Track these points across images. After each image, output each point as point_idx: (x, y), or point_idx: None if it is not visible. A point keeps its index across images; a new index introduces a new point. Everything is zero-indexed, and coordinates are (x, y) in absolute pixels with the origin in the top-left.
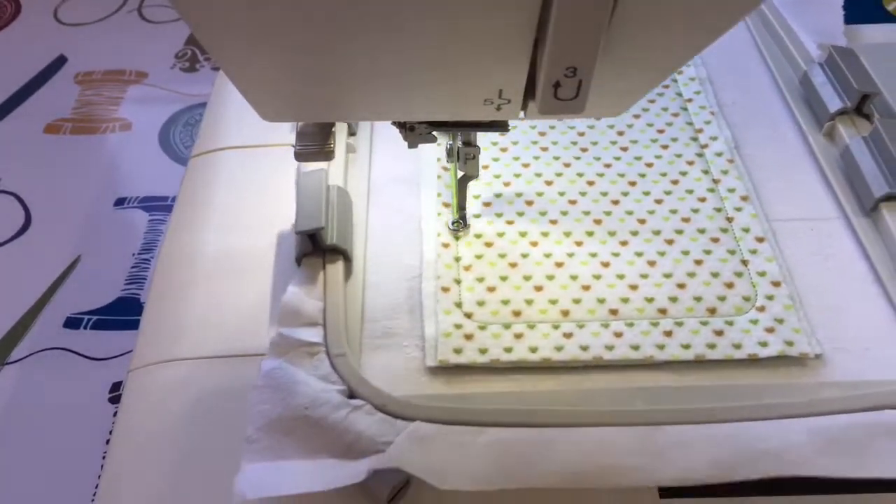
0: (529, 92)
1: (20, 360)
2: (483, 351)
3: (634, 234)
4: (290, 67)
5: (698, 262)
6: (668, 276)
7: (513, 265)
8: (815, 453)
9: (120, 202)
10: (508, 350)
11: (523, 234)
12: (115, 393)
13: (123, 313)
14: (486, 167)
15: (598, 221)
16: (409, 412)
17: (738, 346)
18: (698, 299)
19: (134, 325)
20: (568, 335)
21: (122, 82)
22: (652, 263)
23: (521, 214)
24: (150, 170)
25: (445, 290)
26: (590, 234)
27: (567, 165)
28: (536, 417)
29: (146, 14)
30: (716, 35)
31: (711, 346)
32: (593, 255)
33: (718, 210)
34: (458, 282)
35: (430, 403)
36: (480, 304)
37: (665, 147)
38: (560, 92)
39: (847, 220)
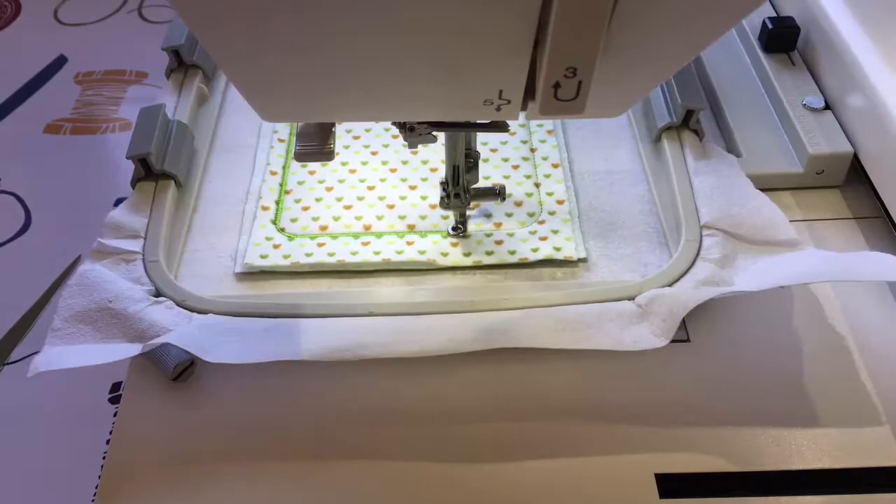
0: (529, 92)
1: (20, 360)
2: (286, 257)
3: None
4: (290, 68)
5: None
6: None
7: (329, 189)
8: (545, 331)
9: (120, 202)
10: (309, 255)
11: (344, 164)
12: (116, 393)
13: None
14: None
15: (414, 152)
16: (205, 306)
17: (512, 253)
18: (488, 216)
19: None
20: (365, 244)
21: (122, 82)
22: None
23: (346, 147)
24: None
25: (265, 209)
26: (405, 163)
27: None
28: (305, 310)
29: (146, 14)
30: (716, 35)
31: (489, 253)
32: (404, 179)
33: (525, 142)
34: (277, 203)
35: (228, 300)
36: (293, 220)
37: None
38: (560, 92)
39: (635, 144)
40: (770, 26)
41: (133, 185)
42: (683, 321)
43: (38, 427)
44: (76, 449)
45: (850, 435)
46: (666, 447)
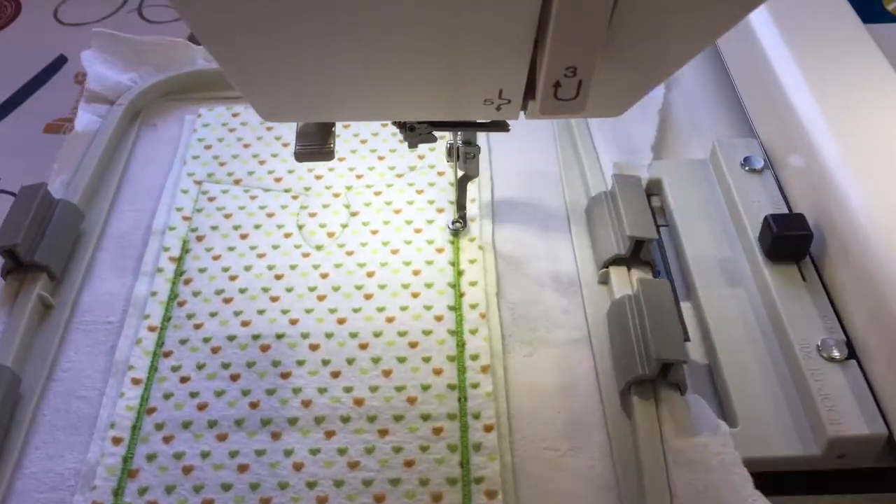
0: (529, 92)
1: None
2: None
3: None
4: (291, 68)
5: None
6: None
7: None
8: None
9: None
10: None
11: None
12: None
13: None
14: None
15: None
16: None
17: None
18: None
19: None
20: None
21: None
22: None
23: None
24: None
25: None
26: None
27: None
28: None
29: (146, 14)
30: (716, 35)
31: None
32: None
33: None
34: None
35: None
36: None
37: (416, 295)
38: (560, 92)
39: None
40: (774, 228)
41: (3, 276)
42: None
43: None
44: None
45: None
46: None
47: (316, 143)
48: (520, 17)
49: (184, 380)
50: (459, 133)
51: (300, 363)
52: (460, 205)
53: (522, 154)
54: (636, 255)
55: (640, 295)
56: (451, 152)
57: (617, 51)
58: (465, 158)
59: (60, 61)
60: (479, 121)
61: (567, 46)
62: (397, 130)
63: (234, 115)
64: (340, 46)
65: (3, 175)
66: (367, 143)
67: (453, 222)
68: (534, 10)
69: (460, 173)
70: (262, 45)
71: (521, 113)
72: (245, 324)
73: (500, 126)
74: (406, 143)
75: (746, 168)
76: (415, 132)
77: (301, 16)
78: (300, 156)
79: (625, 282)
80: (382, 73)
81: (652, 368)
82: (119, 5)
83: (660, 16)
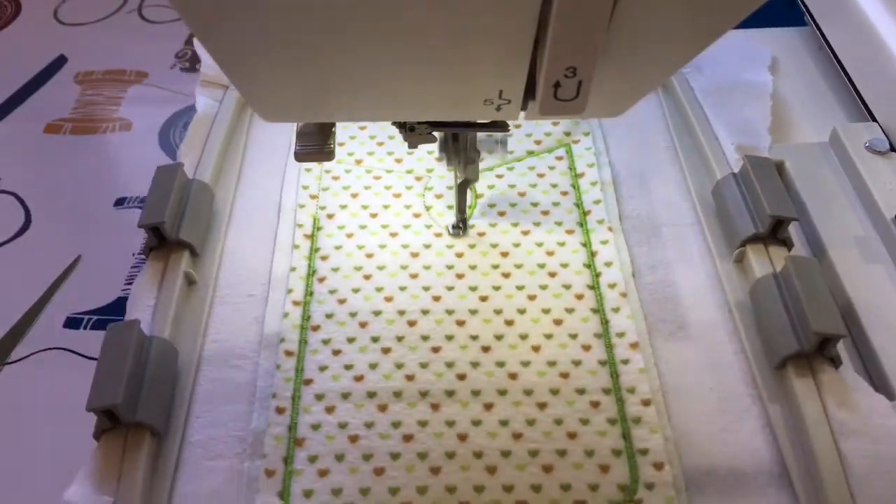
0: (529, 92)
1: (20, 360)
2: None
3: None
4: (291, 68)
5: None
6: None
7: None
8: None
9: (120, 202)
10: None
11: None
12: None
13: (123, 313)
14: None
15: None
16: None
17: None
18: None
19: None
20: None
21: (122, 82)
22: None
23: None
24: (150, 170)
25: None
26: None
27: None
28: None
29: (146, 14)
30: (716, 35)
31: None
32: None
33: (602, 363)
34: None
35: None
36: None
37: (553, 275)
38: (560, 92)
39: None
40: None
41: (146, 254)
42: None
43: (38, 427)
44: (76, 449)
45: None
46: None
47: (316, 144)
48: (520, 17)
49: (336, 353)
50: (460, 138)
51: (449, 338)
52: (460, 209)
53: (636, 137)
54: (773, 234)
55: (792, 272)
56: (449, 156)
57: (617, 51)
58: (466, 163)
59: (60, 61)
60: (479, 121)
61: (567, 46)
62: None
63: None
64: (340, 46)
65: (3, 175)
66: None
67: (454, 227)
68: (534, 11)
69: (460, 178)
70: (261, 45)
71: (523, 114)
72: (388, 299)
73: (500, 126)
74: (526, 125)
75: (871, 151)
76: (415, 132)
77: (301, 16)
78: (300, 156)
79: (764, 260)
80: (382, 74)
81: (811, 343)
82: (119, 5)
83: (660, 16)
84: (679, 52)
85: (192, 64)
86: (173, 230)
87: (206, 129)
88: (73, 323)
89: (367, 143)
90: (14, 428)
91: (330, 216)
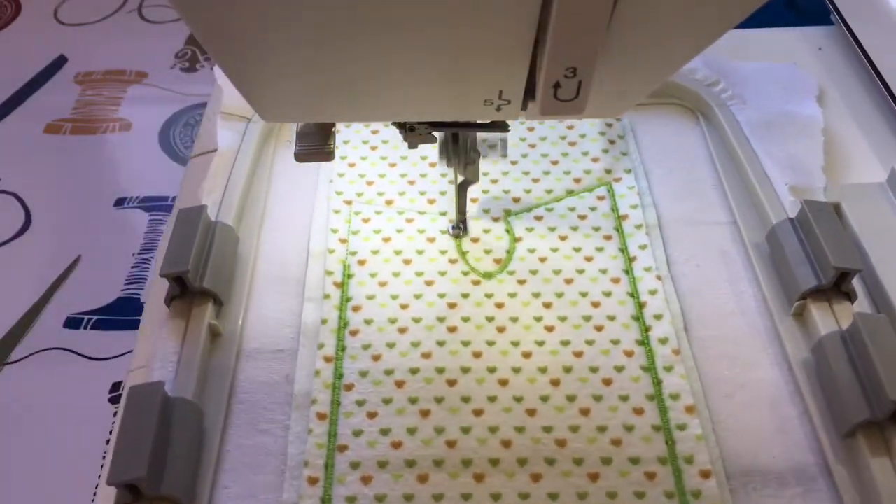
0: (529, 92)
1: (20, 360)
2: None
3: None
4: (291, 68)
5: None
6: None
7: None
8: None
9: (120, 202)
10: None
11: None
12: (116, 393)
13: (123, 313)
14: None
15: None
16: None
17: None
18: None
19: (134, 325)
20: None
21: (122, 82)
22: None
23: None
24: (150, 170)
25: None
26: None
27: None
28: None
29: (146, 14)
30: (716, 36)
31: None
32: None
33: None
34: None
35: None
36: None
37: (600, 329)
38: (560, 92)
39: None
40: None
41: (167, 303)
42: None
43: (38, 427)
44: (76, 449)
45: None
46: None
47: (316, 144)
48: (520, 17)
49: (371, 415)
50: (460, 138)
51: (491, 399)
52: (460, 210)
53: (680, 175)
54: (836, 286)
55: (862, 331)
56: (448, 157)
57: (617, 51)
58: (466, 164)
59: (60, 61)
60: (479, 121)
61: (567, 47)
62: (567, 148)
63: (374, 132)
64: (340, 46)
65: (3, 175)
66: (517, 163)
67: (454, 227)
68: (534, 11)
69: (460, 178)
70: (261, 44)
71: (522, 115)
72: (426, 356)
73: (501, 126)
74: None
75: None
76: (415, 132)
77: (301, 15)
78: (300, 156)
79: (828, 316)
80: (382, 74)
81: (884, 411)
82: (119, 5)
83: (659, 16)
84: (679, 52)
85: (192, 64)
86: (197, 279)
87: (228, 166)
88: (73, 323)
89: (397, 182)
90: (14, 427)
91: (361, 262)
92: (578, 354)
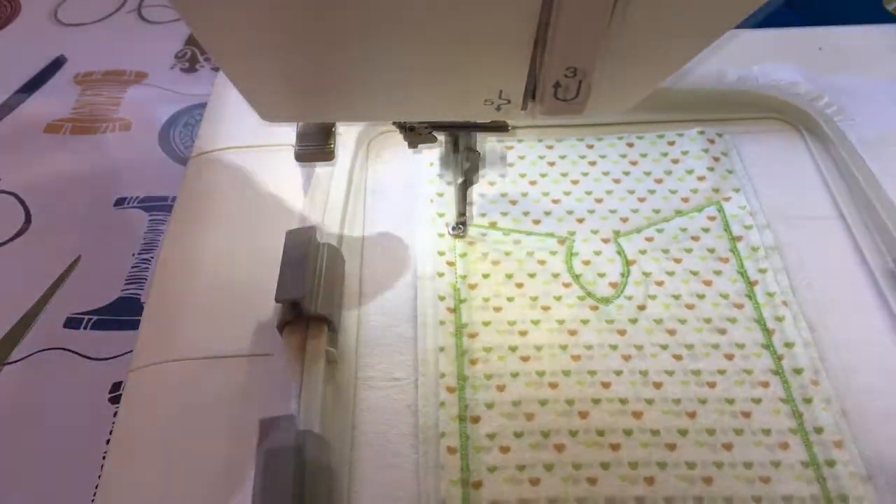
0: (530, 92)
1: (20, 360)
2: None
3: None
4: (291, 68)
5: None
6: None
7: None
8: None
9: (120, 202)
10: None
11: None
12: (116, 393)
13: (123, 313)
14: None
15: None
16: None
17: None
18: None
19: (134, 325)
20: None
21: (122, 82)
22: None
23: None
24: (150, 170)
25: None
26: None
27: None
28: None
29: (146, 14)
30: (715, 36)
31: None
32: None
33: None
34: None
35: None
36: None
37: (730, 357)
38: (560, 92)
39: None
40: None
41: (280, 329)
42: None
43: (38, 427)
44: (76, 449)
45: None
46: None
47: (316, 144)
48: (520, 17)
49: (504, 450)
50: (460, 139)
51: (627, 433)
52: (460, 210)
53: (790, 193)
54: None
55: None
56: (448, 158)
57: (617, 51)
58: (466, 164)
59: (60, 61)
60: (479, 121)
61: (567, 47)
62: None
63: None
64: (341, 47)
65: (3, 175)
66: (620, 182)
67: (454, 227)
68: (534, 11)
69: (460, 179)
70: (261, 45)
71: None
72: (553, 385)
73: (501, 126)
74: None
75: None
76: (415, 132)
77: (300, 16)
78: (300, 156)
79: None
80: (383, 74)
81: None
82: (119, 5)
83: (660, 16)
84: (679, 51)
85: (192, 64)
86: (312, 304)
87: (327, 182)
88: (73, 323)
89: (499, 202)
90: (14, 427)
91: (472, 286)
92: (711, 385)
